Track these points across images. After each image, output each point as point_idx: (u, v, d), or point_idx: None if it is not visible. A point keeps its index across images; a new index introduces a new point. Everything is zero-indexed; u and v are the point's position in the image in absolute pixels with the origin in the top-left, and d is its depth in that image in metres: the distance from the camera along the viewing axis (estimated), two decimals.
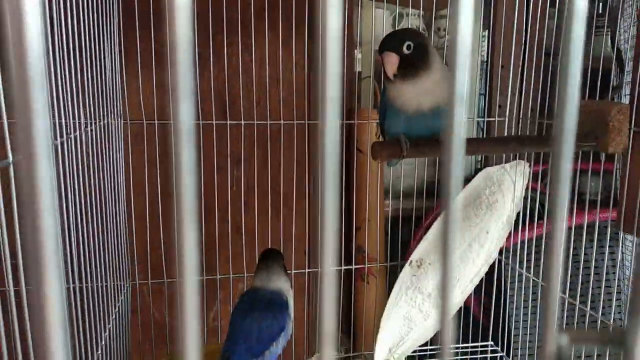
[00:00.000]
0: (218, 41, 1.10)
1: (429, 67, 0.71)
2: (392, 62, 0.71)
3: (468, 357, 1.10)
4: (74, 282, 0.72)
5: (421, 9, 1.17)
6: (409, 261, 0.98)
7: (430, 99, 0.72)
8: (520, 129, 1.14)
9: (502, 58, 1.32)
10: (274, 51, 1.14)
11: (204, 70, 1.11)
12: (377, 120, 1.21)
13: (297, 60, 1.16)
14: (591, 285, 1.16)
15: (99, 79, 0.82)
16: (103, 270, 0.83)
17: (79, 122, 0.71)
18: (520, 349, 1.07)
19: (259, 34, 1.11)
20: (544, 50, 1.20)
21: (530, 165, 1.02)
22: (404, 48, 0.71)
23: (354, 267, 1.19)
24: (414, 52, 0.71)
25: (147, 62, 1.03)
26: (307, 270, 1.17)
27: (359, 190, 1.23)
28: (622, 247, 1.17)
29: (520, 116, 1.13)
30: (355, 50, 1.37)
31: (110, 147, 0.87)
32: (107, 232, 0.84)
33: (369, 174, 1.20)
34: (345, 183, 1.25)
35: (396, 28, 1.35)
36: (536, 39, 1.10)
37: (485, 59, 1.44)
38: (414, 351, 1.05)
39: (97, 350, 0.80)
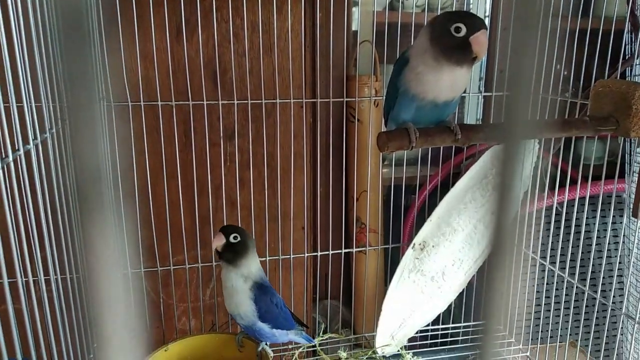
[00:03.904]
0: (207, 4, 1.01)
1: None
2: (486, 43, 0.64)
3: (469, 336, 1.09)
4: (57, 274, 0.69)
5: None
6: (412, 244, 0.95)
7: (449, 92, 0.67)
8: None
9: (504, 19, 1.23)
10: (267, 16, 1.06)
11: (192, 36, 1.03)
12: (381, 97, 1.15)
13: (293, 25, 1.07)
14: (592, 261, 1.14)
15: None
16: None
17: (54, 117, 0.64)
18: (524, 327, 1.06)
19: None
20: (551, 12, 1.12)
21: (540, 141, 0.97)
22: None
23: (354, 250, 1.16)
24: None
25: (129, 31, 0.94)
26: (305, 254, 1.13)
27: (359, 161, 1.18)
28: (627, 222, 1.14)
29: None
30: (354, 9, 1.28)
31: None
32: None
33: (370, 145, 1.15)
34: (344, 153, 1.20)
35: None
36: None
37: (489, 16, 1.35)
38: (416, 332, 1.04)
39: (89, 354, 0.78)
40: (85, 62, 0.17)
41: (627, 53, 1.12)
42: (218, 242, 0.82)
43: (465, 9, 1.31)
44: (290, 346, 1.10)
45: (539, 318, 1.04)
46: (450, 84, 0.67)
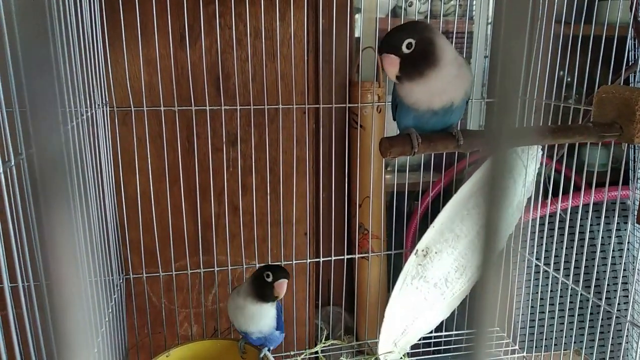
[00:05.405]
0: (210, 11, 1.02)
1: (437, 63, 0.64)
2: (391, 64, 0.64)
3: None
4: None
5: None
6: (414, 251, 0.94)
7: (441, 99, 0.66)
8: (527, 110, 1.07)
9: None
10: (270, 22, 1.06)
11: (195, 42, 1.03)
12: (384, 103, 1.15)
13: (296, 31, 1.07)
14: (596, 266, 1.13)
15: (80, 62, 0.75)
16: (92, 268, 0.79)
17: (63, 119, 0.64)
18: (527, 334, 1.06)
19: (254, 4, 1.03)
20: (554, 17, 1.12)
21: (543, 147, 0.97)
22: (404, 47, 0.64)
23: (356, 256, 1.15)
24: (418, 49, 0.64)
25: (133, 37, 0.95)
26: (308, 260, 1.13)
27: (362, 167, 1.18)
28: (632, 229, 1.14)
29: (527, 95, 1.06)
30: (357, 16, 1.28)
31: (96, 137, 0.80)
32: (94, 231, 0.79)
33: (373, 151, 1.15)
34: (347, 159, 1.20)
35: None
36: (546, 3, 1.02)
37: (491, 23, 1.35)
38: (419, 339, 1.04)
39: (93, 349, 0.77)
40: (44, 49, 0.17)
41: (630, 59, 1.12)
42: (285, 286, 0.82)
43: (467, 16, 1.31)
44: (292, 352, 1.09)
45: (543, 325, 1.03)
46: (426, 95, 0.66)
